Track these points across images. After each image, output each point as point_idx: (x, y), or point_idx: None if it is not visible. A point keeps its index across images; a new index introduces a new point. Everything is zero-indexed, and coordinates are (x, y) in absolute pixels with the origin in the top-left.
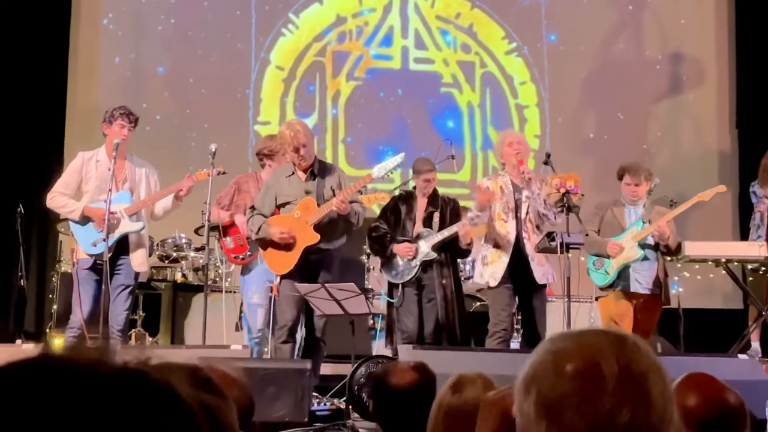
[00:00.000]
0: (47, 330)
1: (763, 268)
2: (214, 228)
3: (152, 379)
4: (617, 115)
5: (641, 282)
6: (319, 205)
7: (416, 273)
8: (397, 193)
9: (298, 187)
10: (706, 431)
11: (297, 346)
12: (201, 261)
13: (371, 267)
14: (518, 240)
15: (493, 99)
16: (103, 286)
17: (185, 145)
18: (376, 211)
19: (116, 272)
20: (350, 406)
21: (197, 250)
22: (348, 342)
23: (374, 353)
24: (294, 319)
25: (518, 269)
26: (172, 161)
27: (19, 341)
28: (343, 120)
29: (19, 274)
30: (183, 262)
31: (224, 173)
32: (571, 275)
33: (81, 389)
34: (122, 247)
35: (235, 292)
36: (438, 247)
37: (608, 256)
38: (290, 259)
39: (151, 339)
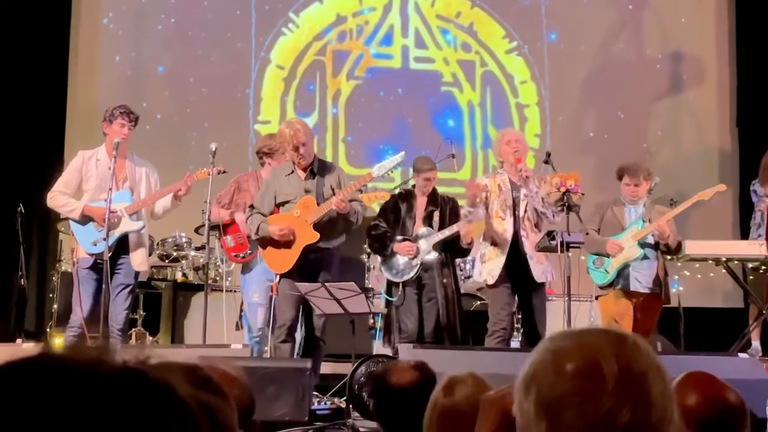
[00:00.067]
0: (47, 329)
1: (763, 267)
2: (214, 227)
3: (151, 378)
4: (618, 114)
5: (641, 281)
6: (318, 204)
7: (417, 272)
8: (397, 191)
9: (297, 186)
10: (707, 430)
11: (296, 346)
12: (201, 260)
13: (371, 266)
14: (516, 238)
15: (494, 98)
16: (103, 286)
17: (185, 144)
18: (377, 209)
19: (116, 271)
20: (350, 406)
21: (197, 249)
22: (348, 341)
23: (375, 352)
24: (293, 319)
25: (516, 267)
26: (173, 160)
27: (19, 340)
28: (344, 119)
29: (20, 273)
30: (183, 262)
31: (224, 172)
32: (571, 274)
33: (80, 388)
34: (122, 246)
35: (235, 291)
36: (438, 246)
37: (608, 255)
38: (290, 258)
39: (151, 338)
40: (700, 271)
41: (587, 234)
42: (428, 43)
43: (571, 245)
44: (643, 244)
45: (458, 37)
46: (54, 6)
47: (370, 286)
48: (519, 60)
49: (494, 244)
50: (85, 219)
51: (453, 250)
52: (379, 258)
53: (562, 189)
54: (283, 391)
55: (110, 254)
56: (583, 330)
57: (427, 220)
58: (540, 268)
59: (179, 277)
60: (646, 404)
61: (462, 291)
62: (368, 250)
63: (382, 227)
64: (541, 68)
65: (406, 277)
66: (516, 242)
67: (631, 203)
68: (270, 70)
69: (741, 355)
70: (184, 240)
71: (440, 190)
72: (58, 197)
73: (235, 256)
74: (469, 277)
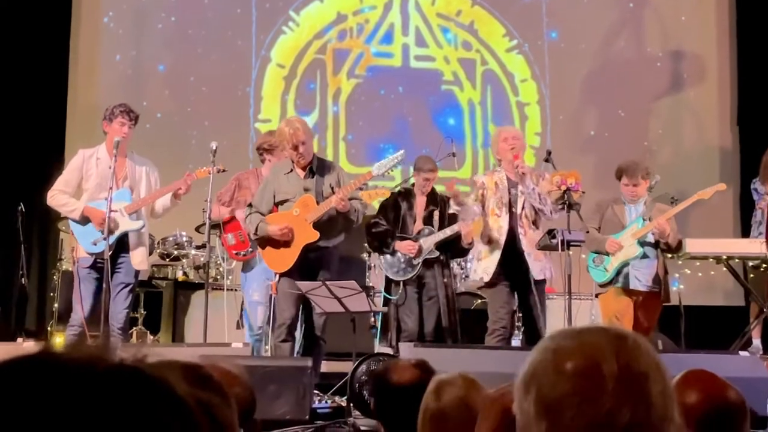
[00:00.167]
0: (48, 328)
1: (764, 265)
2: (215, 226)
3: (149, 376)
4: (618, 113)
5: (640, 279)
6: (318, 203)
7: (417, 271)
8: (397, 189)
9: (296, 185)
10: (707, 428)
11: (296, 345)
12: (202, 259)
13: (372, 265)
14: (512, 235)
15: (494, 96)
16: (104, 285)
17: (186, 143)
18: (377, 207)
19: (116, 270)
20: (351, 404)
21: (198, 248)
22: (349, 340)
23: (375, 351)
24: (293, 318)
25: (513, 265)
26: (173, 159)
27: (20, 339)
28: (344, 118)
29: (21, 272)
30: (184, 260)
31: (224, 171)
32: (572, 273)
33: (77, 386)
34: (122, 245)
35: (236, 290)
36: (439, 246)
37: (608, 254)
38: (289, 257)
39: (152, 337)
40: (701, 270)
41: (587, 232)
42: (429, 42)
43: (571, 244)
44: (642, 243)
45: (459, 36)
46: (54, 5)
47: (371, 284)
48: (519, 58)
49: (489, 241)
50: (84, 219)
51: (453, 249)
52: (381, 256)
53: (563, 187)
54: (284, 390)
55: (110, 253)
56: (583, 329)
57: (428, 220)
58: (538, 265)
59: (180, 275)
60: (647, 404)
61: (463, 290)
62: (369, 249)
63: (383, 225)
64: (542, 66)
65: (406, 276)
66: (513, 239)
67: (631, 202)
68: (270, 69)
69: (742, 353)
70: (184, 239)
71: (440, 189)
72: (58, 196)
73: (236, 254)
74: (468, 276)
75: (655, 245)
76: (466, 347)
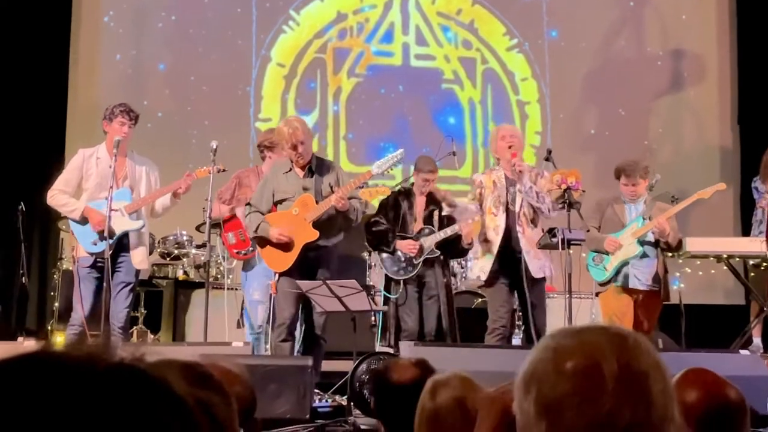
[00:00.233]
0: (49, 327)
1: (764, 264)
2: (215, 225)
3: (148, 375)
4: (618, 112)
5: (640, 278)
6: (317, 202)
7: (418, 270)
8: (397, 188)
9: (295, 184)
10: (707, 427)
11: (296, 344)
12: (202, 258)
13: (372, 263)
14: (510, 234)
15: (495, 95)
16: (104, 284)
17: (186, 142)
18: (377, 205)
19: (117, 270)
20: (352, 403)
21: (198, 247)
22: (350, 339)
23: (376, 350)
24: (292, 317)
25: (511, 264)
26: (173, 158)
27: (20, 338)
28: (344, 117)
29: (21, 271)
30: (184, 260)
31: (224, 171)
32: (572, 271)
33: (75, 384)
34: (122, 244)
35: (236, 289)
36: (439, 245)
37: (607, 253)
38: (289, 257)
39: (152, 336)
40: (702, 268)
41: (588, 231)
42: (429, 41)
43: (572, 242)
44: (642, 242)
45: (459, 35)
46: (54, 4)
47: (371, 283)
48: (520, 57)
49: (486, 240)
50: (85, 219)
51: (453, 250)
52: (383, 255)
53: (563, 186)
54: (285, 389)
55: (110, 252)
56: (583, 328)
57: (428, 219)
58: (537, 263)
59: (180, 275)
60: (647, 404)
61: (464, 289)
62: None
63: (383, 224)
64: (542, 65)
65: (407, 275)
66: (510, 238)
67: (631, 201)
68: (271, 68)
69: (742, 352)
70: (185, 238)
71: (441, 188)
72: (59, 196)
73: (237, 252)
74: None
75: (655, 244)
76: (466, 346)
